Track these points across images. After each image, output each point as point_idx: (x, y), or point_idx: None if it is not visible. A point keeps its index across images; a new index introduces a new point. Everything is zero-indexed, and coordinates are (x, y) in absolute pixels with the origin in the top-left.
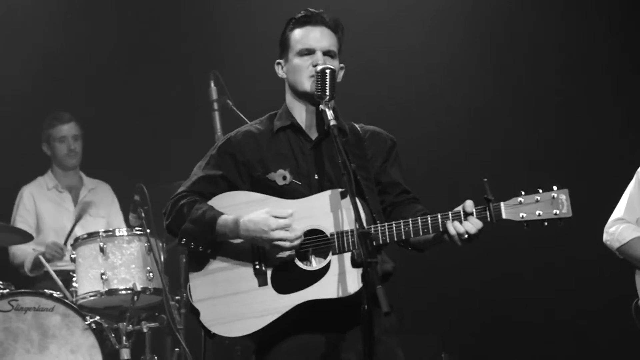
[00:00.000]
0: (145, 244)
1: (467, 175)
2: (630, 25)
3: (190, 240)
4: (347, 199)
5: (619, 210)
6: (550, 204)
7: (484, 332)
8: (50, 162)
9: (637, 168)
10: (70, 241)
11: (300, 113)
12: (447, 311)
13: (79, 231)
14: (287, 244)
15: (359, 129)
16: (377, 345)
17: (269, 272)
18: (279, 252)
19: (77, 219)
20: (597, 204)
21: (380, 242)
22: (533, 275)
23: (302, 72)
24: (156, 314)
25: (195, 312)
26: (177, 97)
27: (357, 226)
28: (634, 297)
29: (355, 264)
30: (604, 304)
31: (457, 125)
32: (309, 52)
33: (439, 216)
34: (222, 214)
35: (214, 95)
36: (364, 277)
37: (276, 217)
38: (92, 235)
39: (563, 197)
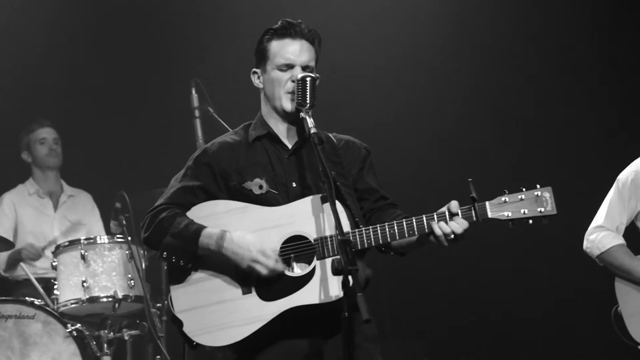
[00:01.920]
0: (127, 252)
1: (451, 178)
2: (617, 24)
3: (171, 255)
4: (328, 205)
5: (599, 218)
6: (534, 202)
7: (467, 338)
8: (31, 170)
9: (618, 175)
10: (52, 248)
11: (276, 122)
12: (431, 317)
13: (60, 238)
14: (264, 270)
15: (333, 138)
16: (358, 351)
17: (252, 280)
18: (254, 274)
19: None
20: (581, 208)
21: (366, 245)
22: (517, 281)
23: (280, 86)
24: (137, 321)
25: (178, 323)
26: (158, 104)
27: (338, 234)
28: (614, 303)
29: (335, 271)
30: (589, 311)
31: (440, 129)
32: (288, 66)
33: (424, 217)
34: (205, 227)
35: (195, 103)
36: (344, 285)
37: (265, 252)
38: (73, 243)
39: (547, 194)
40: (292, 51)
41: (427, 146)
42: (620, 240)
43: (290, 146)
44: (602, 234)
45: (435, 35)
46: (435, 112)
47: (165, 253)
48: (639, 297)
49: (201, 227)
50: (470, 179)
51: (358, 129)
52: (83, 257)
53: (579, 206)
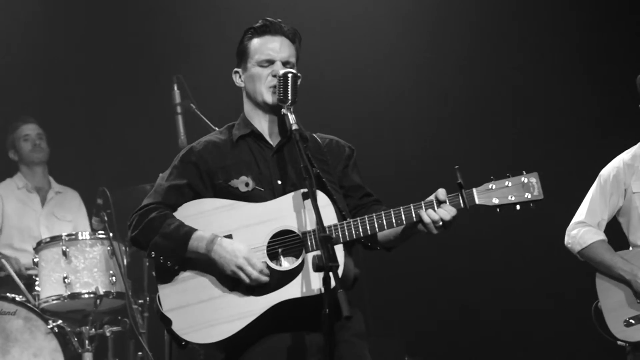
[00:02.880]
0: (108, 248)
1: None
2: (601, 21)
3: (159, 255)
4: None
5: (580, 214)
6: (521, 188)
7: (448, 336)
8: (19, 168)
9: (600, 171)
10: (34, 244)
11: (260, 121)
12: (411, 315)
13: (44, 233)
14: (246, 278)
15: (317, 137)
16: (346, 345)
17: None
18: (235, 277)
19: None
20: (565, 203)
21: (354, 236)
22: (498, 279)
23: (261, 81)
24: (119, 317)
25: (167, 322)
26: (140, 100)
27: (318, 230)
28: (594, 298)
29: (316, 268)
30: (569, 305)
31: (425, 123)
32: (269, 62)
33: (412, 206)
34: (196, 230)
35: (177, 99)
36: (325, 282)
37: (252, 261)
38: (54, 239)
39: (533, 180)
40: (272, 47)
41: (412, 141)
42: (601, 236)
43: (274, 144)
44: (583, 230)
45: (419, 31)
46: (420, 107)
47: (153, 253)
48: (619, 293)
49: (192, 230)
50: (457, 167)
51: (342, 125)
52: (64, 253)
53: (564, 200)
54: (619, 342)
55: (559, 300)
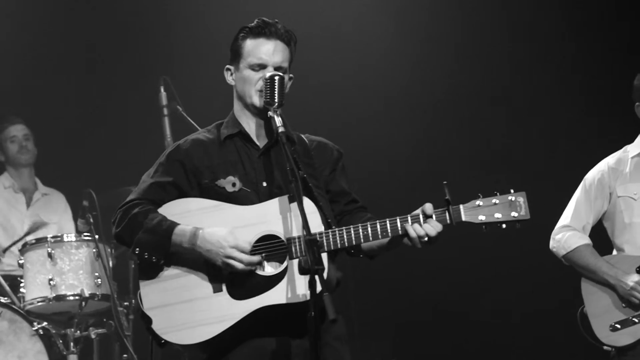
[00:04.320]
0: (94, 250)
1: (426, 181)
2: (584, 24)
3: (144, 250)
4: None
5: (565, 218)
6: (508, 207)
7: (435, 338)
8: (5, 168)
9: (585, 174)
10: (19, 246)
11: (248, 121)
12: (398, 317)
13: (29, 236)
14: (239, 265)
15: (305, 139)
16: (327, 349)
17: (223, 278)
18: (229, 269)
19: (29, 231)
20: (551, 206)
21: (339, 246)
22: (483, 280)
23: (251, 85)
24: (104, 320)
25: (147, 320)
26: (126, 102)
27: (305, 233)
28: (580, 303)
29: (302, 271)
30: (556, 308)
31: (414, 132)
32: (261, 66)
33: (398, 220)
34: (178, 224)
35: (164, 101)
36: (310, 285)
37: (239, 246)
38: (40, 241)
39: (521, 199)
40: (266, 51)
41: (402, 149)
42: (586, 240)
43: (261, 146)
44: (568, 234)
45: (409, 37)
46: (410, 116)
47: (137, 249)
48: (604, 298)
49: (174, 224)
50: (445, 182)
51: (332, 131)
52: (50, 255)
53: (549, 204)
54: (605, 347)
55: (546, 303)
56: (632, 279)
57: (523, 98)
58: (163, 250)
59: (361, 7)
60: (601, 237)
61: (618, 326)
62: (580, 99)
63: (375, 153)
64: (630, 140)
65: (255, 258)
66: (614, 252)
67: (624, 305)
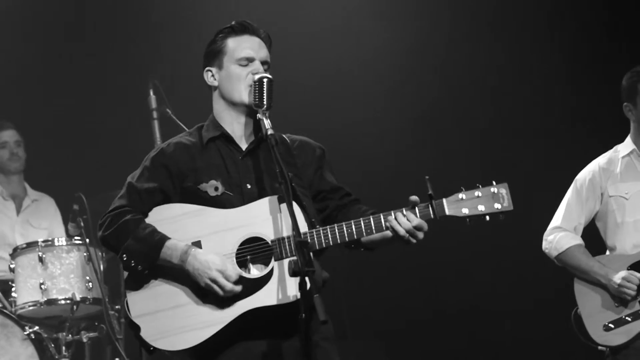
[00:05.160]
0: (85, 254)
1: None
2: (573, 18)
3: (130, 258)
4: (285, 206)
5: (556, 219)
6: (491, 198)
7: (428, 339)
8: None
9: (576, 175)
10: (9, 250)
11: (231, 123)
12: (391, 317)
13: (19, 241)
14: (219, 291)
15: (287, 139)
16: (316, 350)
17: None
18: (212, 291)
19: None
20: (543, 204)
21: (324, 245)
22: (477, 281)
23: (240, 80)
24: (96, 323)
25: (135, 328)
26: (116, 106)
27: (295, 234)
28: (574, 304)
29: (293, 273)
30: (548, 309)
31: (400, 128)
32: (248, 60)
33: (382, 216)
34: (169, 238)
35: (153, 104)
36: (301, 287)
37: (226, 273)
38: (31, 245)
39: (503, 191)
40: (252, 46)
41: (392, 150)
42: (578, 241)
43: (244, 147)
44: (559, 235)
45: (398, 37)
46: (396, 112)
47: (125, 256)
48: (596, 298)
49: (165, 238)
50: (427, 177)
51: (318, 128)
52: (41, 259)
53: (542, 202)
54: (599, 347)
55: (540, 304)
56: (619, 276)
57: (513, 98)
58: (150, 261)
59: (350, 7)
60: (595, 237)
61: (611, 326)
62: (571, 99)
63: (364, 152)
64: (621, 139)
65: (237, 289)
66: (607, 252)
67: (616, 304)
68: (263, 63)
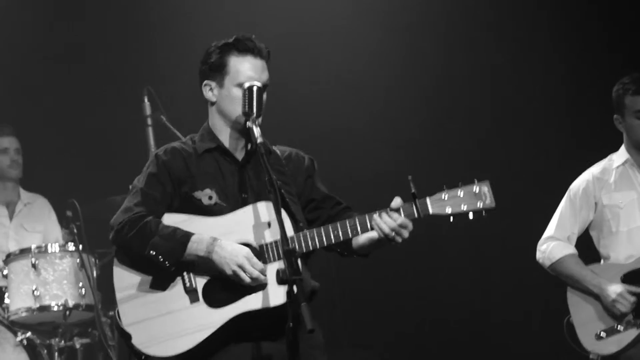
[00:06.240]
0: (78, 260)
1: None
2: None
3: (159, 255)
4: (272, 210)
5: (550, 229)
6: (474, 196)
7: (423, 346)
8: None
9: (570, 185)
10: (3, 257)
11: (227, 135)
12: (386, 325)
13: (13, 247)
14: (246, 277)
15: (276, 149)
16: (305, 358)
17: (199, 288)
18: (237, 279)
19: None
20: (537, 212)
21: (311, 248)
22: (471, 290)
23: (240, 105)
24: (89, 330)
25: (126, 336)
26: (110, 112)
27: (282, 244)
28: (566, 312)
29: (280, 281)
30: (541, 319)
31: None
32: None
33: (366, 216)
34: (193, 233)
35: (148, 111)
36: (289, 295)
37: (252, 260)
38: (23, 251)
39: (485, 188)
40: (255, 70)
41: (386, 151)
42: (571, 250)
43: (239, 159)
44: (552, 245)
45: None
46: (390, 117)
47: (153, 251)
48: (589, 307)
49: (190, 233)
50: (410, 177)
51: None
52: (34, 265)
53: (535, 210)
54: (590, 356)
55: (533, 313)
56: (614, 290)
57: (509, 104)
58: (177, 256)
59: (347, 9)
60: (588, 247)
61: (603, 335)
62: (565, 108)
63: (356, 157)
64: (615, 148)
65: (263, 278)
66: (601, 261)
67: (608, 314)
68: (264, 87)
